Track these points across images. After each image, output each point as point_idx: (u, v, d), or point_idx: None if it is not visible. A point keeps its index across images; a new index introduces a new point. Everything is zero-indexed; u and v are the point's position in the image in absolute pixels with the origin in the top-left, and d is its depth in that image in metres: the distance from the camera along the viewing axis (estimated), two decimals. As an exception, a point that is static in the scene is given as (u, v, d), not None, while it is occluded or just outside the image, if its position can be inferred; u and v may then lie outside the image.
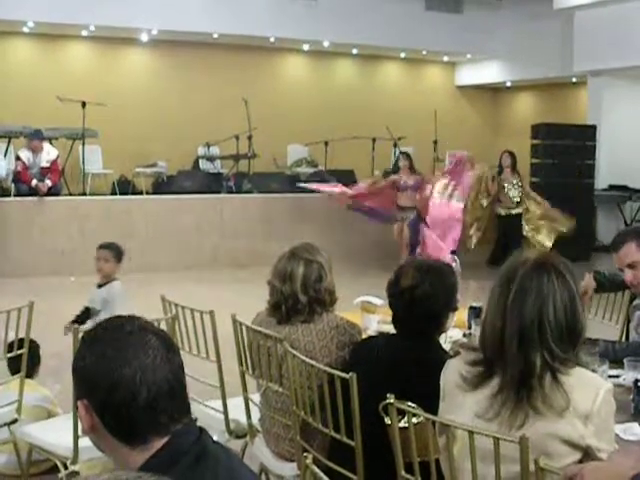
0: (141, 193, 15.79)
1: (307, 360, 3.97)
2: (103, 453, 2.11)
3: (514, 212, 14.60)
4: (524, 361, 2.83)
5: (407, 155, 14.44)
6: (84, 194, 14.66)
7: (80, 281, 12.61)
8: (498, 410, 2.86)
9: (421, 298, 3.79)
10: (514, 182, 14.58)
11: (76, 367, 2.06)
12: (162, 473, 1.92)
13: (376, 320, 5.33)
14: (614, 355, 4.28)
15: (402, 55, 20.18)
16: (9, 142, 14.92)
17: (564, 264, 2.96)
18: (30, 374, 5.74)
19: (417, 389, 3.38)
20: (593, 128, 16.35)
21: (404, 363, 3.75)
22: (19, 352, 5.21)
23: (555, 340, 2.84)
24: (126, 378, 1.98)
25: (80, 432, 2.15)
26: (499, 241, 14.76)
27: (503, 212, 14.67)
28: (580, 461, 2.78)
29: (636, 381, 3.75)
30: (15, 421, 5.27)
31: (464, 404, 2.98)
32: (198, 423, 2.12)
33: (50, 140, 14.52)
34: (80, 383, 2.03)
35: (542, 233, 14.41)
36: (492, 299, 2.95)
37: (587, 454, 2.80)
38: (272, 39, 17.70)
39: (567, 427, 2.79)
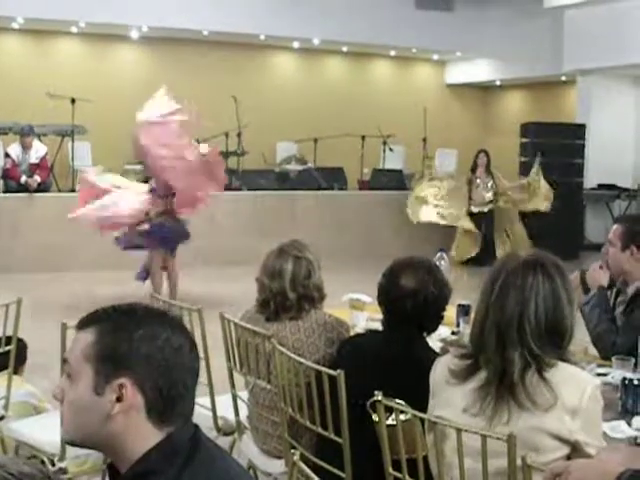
0: (130, 190, 15.75)
1: (295, 357, 3.97)
2: (95, 445, 2.12)
3: (486, 209, 14.77)
4: (502, 357, 2.86)
5: None
6: (73, 190, 14.62)
7: (69, 277, 12.61)
8: (481, 405, 2.88)
9: (434, 299, 3.84)
10: (487, 182, 14.75)
11: (124, 346, 2.05)
12: (161, 464, 1.99)
13: (365, 317, 5.34)
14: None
15: (392, 53, 20.17)
16: (-2, 139, 14.92)
17: (555, 265, 2.96)
18: (15, 372, 5.72)
19: (408, 387, 3.39)
20: (582, 127, 16.36)
21: (395, 361, 3.76)
22: (6, 349, 5.20)
23: (534, 339, 2.86)
24: (182, 360, 2.07)
25: (97, 420, 2.13)
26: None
27: (476, 210, 14.80)
28: (568, 456, 2.80)
29: (624, 379, 3.76)
30: (2, 418, 5.25)
31: (453, 399, 3.00)
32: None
33: (39, 136, 14.49)
34: (128, 361, 2.03)
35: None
36: (480, 295, 2.97)
37: (575, 449, 2.82)
38: (262, 37, 17.68)
39: (555, 421, 2.81)
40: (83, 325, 2.12)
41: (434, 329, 4.04)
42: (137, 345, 2.03)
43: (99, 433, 2.08)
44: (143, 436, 2.04)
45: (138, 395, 2.02)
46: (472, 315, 4.39)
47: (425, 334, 3.96)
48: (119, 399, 2.03)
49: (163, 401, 2.04)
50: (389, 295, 3.90)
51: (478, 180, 14.80)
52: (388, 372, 3.70)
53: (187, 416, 2.09)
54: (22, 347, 6.00)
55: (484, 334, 2.90)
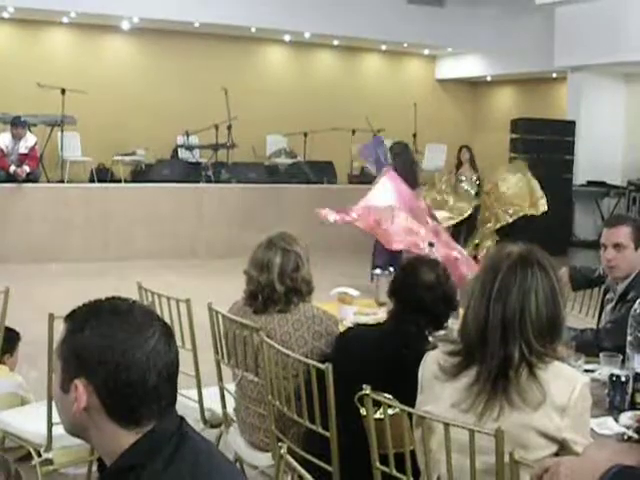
0: (119, 181, 15.71)
1: (283, 350, 3.97)
2: (82, 437, 2.10)
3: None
4: (504, 353, 2.86)
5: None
6: (62, 181, 14.60)
7: (57, 268, 12.59)
8: (473, 401, 2.88)
9: (448, 295, 3.97)
10: (472, 178, 14.73)
11: (80, 346, 2.02)
12: (145, 458, 1.97)
13: (353, 311, 5.34)
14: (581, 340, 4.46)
15: (383, 47, 20.15)
16: (-13, 128, 14.85)
17: (546, 258, 2.98)
18: (4, 362, 5.71)
19: (405, 383, 3.38)
20: (572, 124, 16.41)
21: (394, 357, 3.74)
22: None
23: (535, 333, 2.87)
24: (138, 361, 2.00)
25: (67, 416, 2.11)
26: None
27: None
28: (556, 454, 2.80)
29: (611, 376, 3.77)
30: (-12, 408, 5.24)
31: (442, 395, 2.99)
32: (173, 412, 2.13)
33: (29, 127, 14.45)
34: (83, 362, 2.01)
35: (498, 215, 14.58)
36: (475, 291, 2.97)
37: (563, 447, 2.83)
38: (253, 29, 17.63)
39: (543, 419, 2.81)
40: (64, 320, 2.12)
41: (441, 325, 4.02)
42: (96, 345, 2.00)
43: (76, 427, 2.08)
44: (111, 436, 2.02)
45: (93, 397, 2.00)
46: (460, 311, 4.41)
47: (427, 332, 3.95)
48: (76, 399, 2.02)
49: (124, 404, 2.00)
50: (408, 285, 3.94)
51: (463, 177, 14.83)
52: (386, 367, 3.69)
53: (162, 414, 2.04)
54: (13, 338, 5.99)
55: (486, 332, 2.89)
